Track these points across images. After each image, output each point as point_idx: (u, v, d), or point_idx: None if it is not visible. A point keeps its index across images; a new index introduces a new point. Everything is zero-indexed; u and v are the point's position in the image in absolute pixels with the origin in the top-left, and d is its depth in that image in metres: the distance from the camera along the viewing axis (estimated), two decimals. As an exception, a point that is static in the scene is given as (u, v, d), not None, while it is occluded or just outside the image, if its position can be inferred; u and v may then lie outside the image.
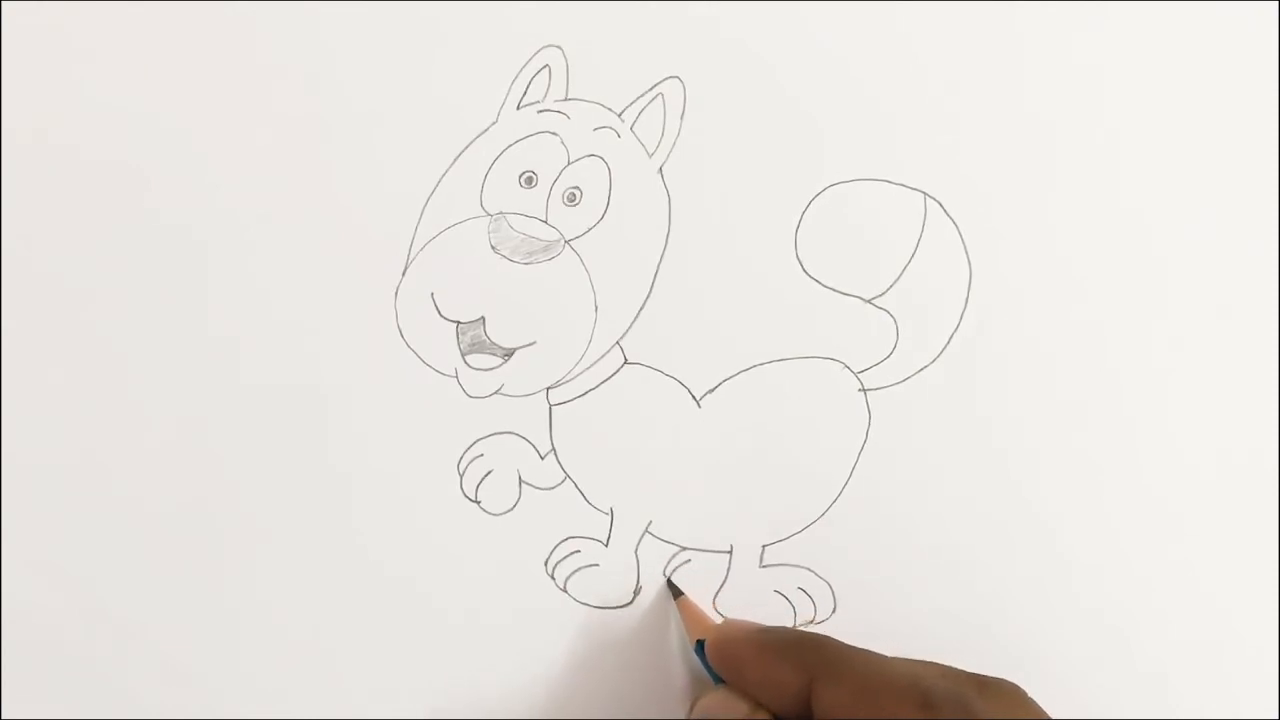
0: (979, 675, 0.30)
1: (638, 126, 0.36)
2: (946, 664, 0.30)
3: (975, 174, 0.36)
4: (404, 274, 0.35)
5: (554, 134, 0.35)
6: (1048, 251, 0.36)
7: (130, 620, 0.35)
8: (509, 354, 0.36)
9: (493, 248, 0.35)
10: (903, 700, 0.28)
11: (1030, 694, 0.30)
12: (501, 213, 0.35)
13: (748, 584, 0.36)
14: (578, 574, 0.36)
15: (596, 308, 0.36)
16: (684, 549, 0.36)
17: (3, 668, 0.35)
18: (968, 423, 0.36)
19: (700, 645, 0.33)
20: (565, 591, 0.36)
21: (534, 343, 0.36)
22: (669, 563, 0.36)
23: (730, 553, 0.36)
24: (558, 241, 0.36)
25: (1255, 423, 0.37)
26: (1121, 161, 0.36)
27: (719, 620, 0.35)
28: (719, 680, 0.33)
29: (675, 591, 0.36)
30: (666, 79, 0.36)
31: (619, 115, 0.36)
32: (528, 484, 0.36)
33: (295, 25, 0.35)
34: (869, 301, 0.36)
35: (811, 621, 0.36)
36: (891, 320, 0.36)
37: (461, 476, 0.35)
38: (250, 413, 0.35)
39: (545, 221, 0.36)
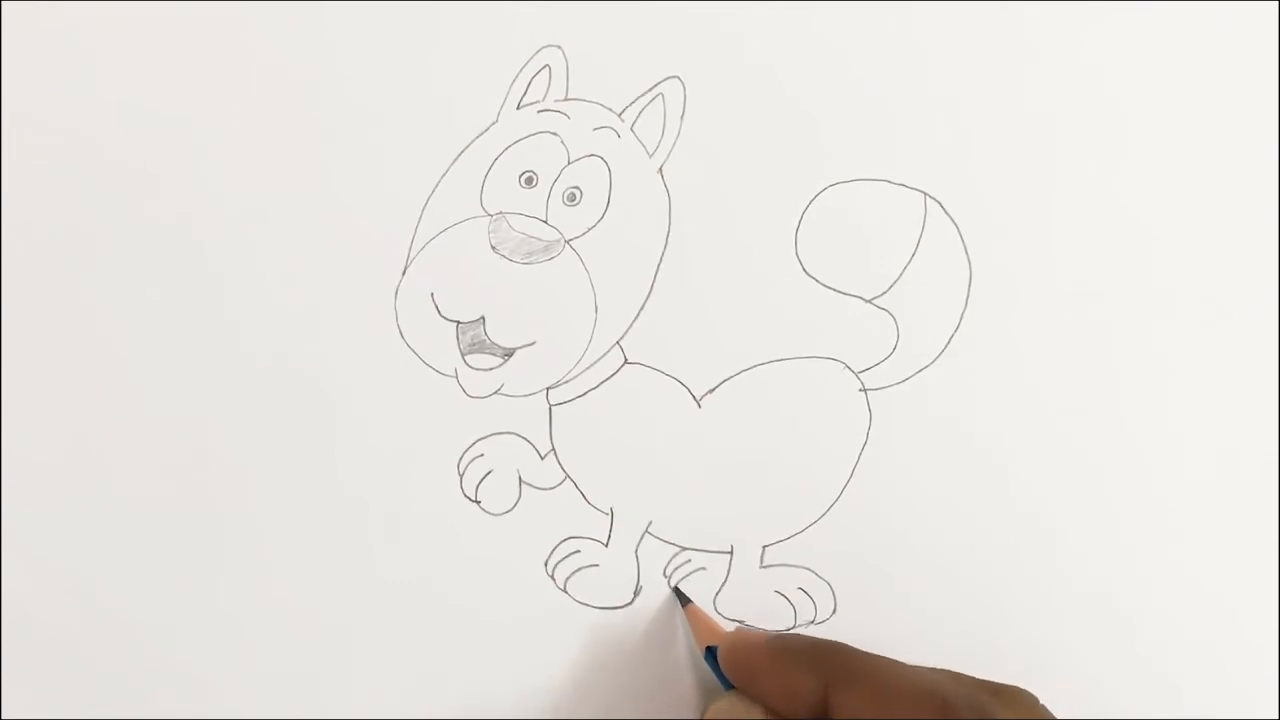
0: (991, 682, 0.30)
1: (638, 126, 0.36)
2: (951, 668, 0.30)
3: (975, 174, 0.36)
4: (404, 274, 0.35)
5: (554, 134, 0.35)
6: (1048, 251, 0.36)
7: (130, 620, 0.35)
8: (509, 354, 0.36)
9: (493, 248, 0.35)
10: (921, 704, 0.28)
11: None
12: (501, 213, 0.35)
13: (748, 584, 0.36)
14: (578, 574, 0.36)
15: (596, 308, 0.36)
16: (684, 549, 0.36)
17: (3, 668, 0.35)
18: (968, 422, 0.36)
19: (710, 652, 0.33)
20: (565, 592, 0.36)
21: (534, 343, 0.36)
22: (669, 563, 0.36)
23: (730, 553, 0.36)
24: (558, 241, 0.36)
25: (1256, 422, 0.37)
26: (1121, 161, 0.36)
27: (726, 627, 0.35)
28: (729, 686, 0.33)
29: (683, 599, 0.36)
30: (666, 79, 0.36)
31: (619, 115, 0.36)
32: (528, 484, 0.36)
33: (295, 25, 0.35)
34: (869, 301, 0.36)
35: (812, 622, 0.36)
36: (891, 320, 0.36)
37: (461, 476, 0.35)
38: (250, 412, 0.35)
39: (545, 221, 0.36)
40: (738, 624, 0.36)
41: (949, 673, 0.30)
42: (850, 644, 0.31)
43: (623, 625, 0.36)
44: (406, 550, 0.35)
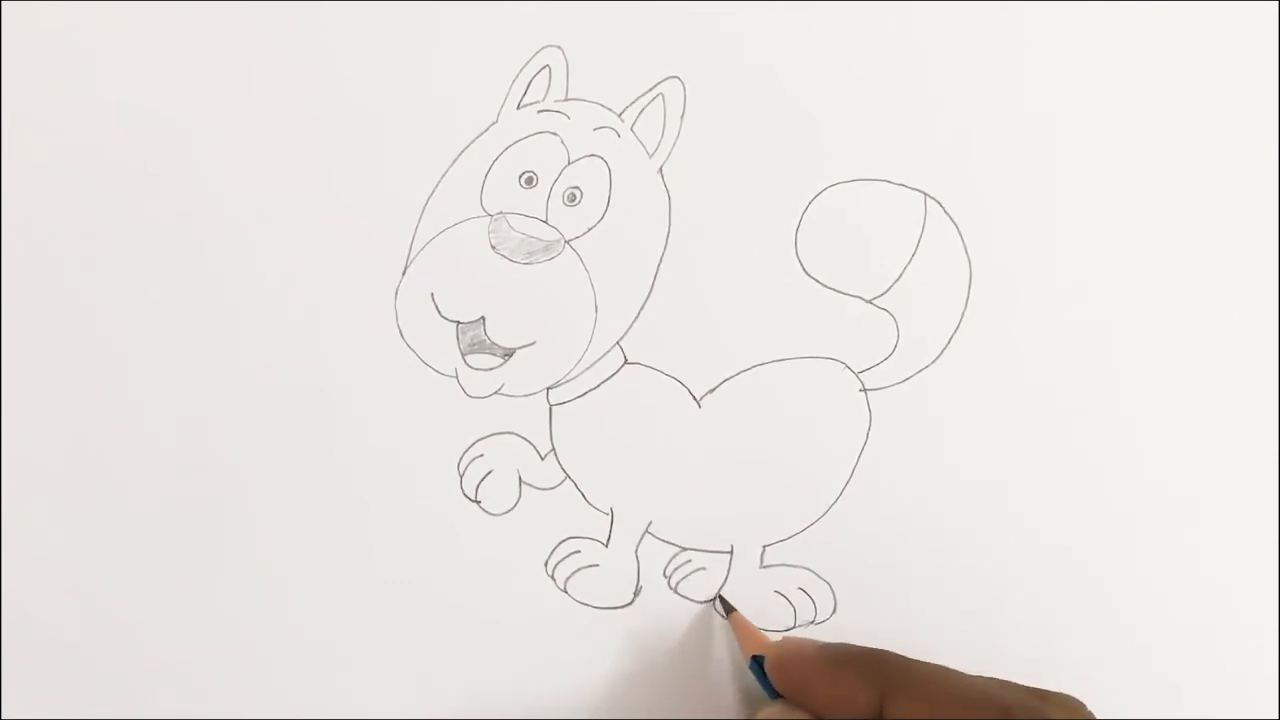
0: (1037, 688, 0.30)
1: (638, 126, 0.36)
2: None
3: (975, 174, 0.36)
4: (404, 274, 0.35)
5: (554, 134, 0.35)
6: (1048, 251, 0.36)
7: (130, 620, 0.35)
8: (509, 354, 0.36)
9: (493, 248, 0.35)
10: (980, 710, 0.28)
11: None
12: (501, 213, 0.35)
13: (748, 584, 0.36)
14: (578, 574, 0.36)
15: (596, 308, 0.36)
16: (684, 549, 0.36)
17: (3, 668, 0.35)
18: (968, 423, 0.36)
19: (757, 661, 0.33)
20: (565, 592, 0.36)
21: (534, 343, 0.36)
22: (669, 563, 0.36)
23: (730, 553, 0.36)
24: (558, 241, 0.36)
25: (1256, 422, 0.37)
26: (1121, 161, 0.36)
27: (771, 637, 0.35)
28: (773, 695, 0.33)
29: (727, 608, 0.36)
30: (666, 79, 0.36)
31: (619, 115, 0.36)
32: (528, 484, 0.36)
33: (295, 25, 0.35)
34: (869, 301, 0.36)
35: (811, 622, 0.36)
36: (891, 320, 0.36)
37: (461, 476, 0.35)
38: (250, 413, 0.35)
39: (545, 221, 0.36)
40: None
41: (998, 680, 0.30)
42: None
43: (622, 625, 0.36)
44: (406, 550, 0.35)
